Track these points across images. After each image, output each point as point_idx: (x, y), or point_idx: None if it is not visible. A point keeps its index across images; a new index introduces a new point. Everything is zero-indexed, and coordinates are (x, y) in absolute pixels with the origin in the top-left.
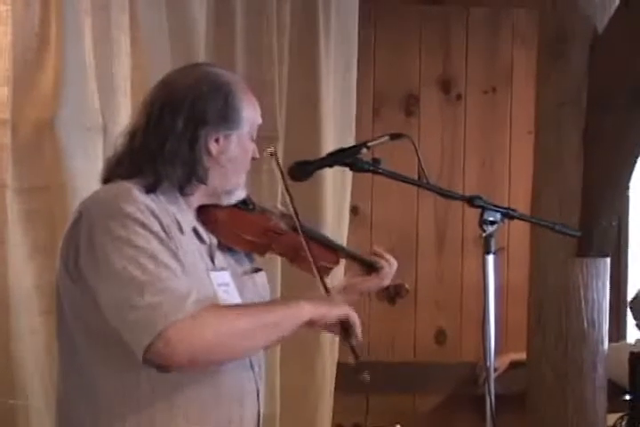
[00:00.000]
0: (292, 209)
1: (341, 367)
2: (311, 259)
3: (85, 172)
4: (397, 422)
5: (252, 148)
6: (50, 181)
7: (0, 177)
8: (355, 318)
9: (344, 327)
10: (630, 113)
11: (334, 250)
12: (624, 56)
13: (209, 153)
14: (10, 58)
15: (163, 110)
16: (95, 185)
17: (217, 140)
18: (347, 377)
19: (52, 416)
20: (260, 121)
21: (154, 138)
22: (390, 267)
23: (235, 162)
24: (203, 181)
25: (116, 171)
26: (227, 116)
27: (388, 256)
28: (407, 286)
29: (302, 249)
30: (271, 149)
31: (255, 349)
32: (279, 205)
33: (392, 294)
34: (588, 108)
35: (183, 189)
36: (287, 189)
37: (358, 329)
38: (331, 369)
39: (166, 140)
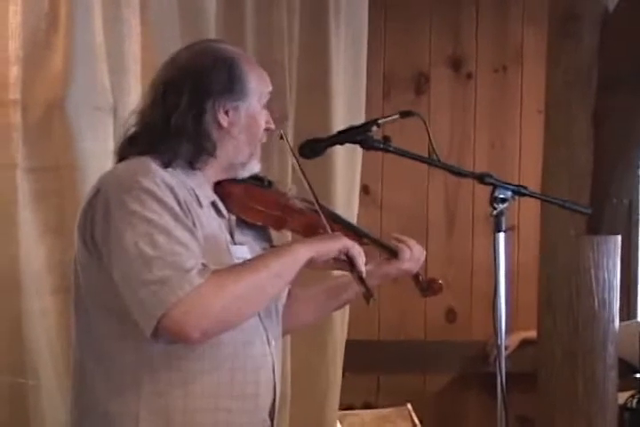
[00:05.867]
0: (307, 187)
1: (352, 346)
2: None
3: (95, 152)
4: (408, 401)
5: (263, 117)
6: (60, 160)
7: (10, 157)
8: (355, 250)
9: (349, 261)
10: None
11: (354, 232)
12: (635, 35)
13: (219, 126)
14: (20, 37)
15: (167, 86)
16: (105, 165)
17: (227, 113)
18: (358, 356)
19: (63, 395)
20: (269, 88)
21: (160, 114)
22: (412, 252)
23: (247, 132)
24: (211, 153)
25: (129, 150)
26: (232, 88)
27: (412, 242)
28: (441, 281)
29: (321, 228)
30: (281, 132)
31: (264, 302)
32: (295, 188)
33: (425, 287)
34: (598, 87)
35: (193, 164)
36: (302, 172)
37: (361, 260)
38: (340, 348)
39: (171, 116)
